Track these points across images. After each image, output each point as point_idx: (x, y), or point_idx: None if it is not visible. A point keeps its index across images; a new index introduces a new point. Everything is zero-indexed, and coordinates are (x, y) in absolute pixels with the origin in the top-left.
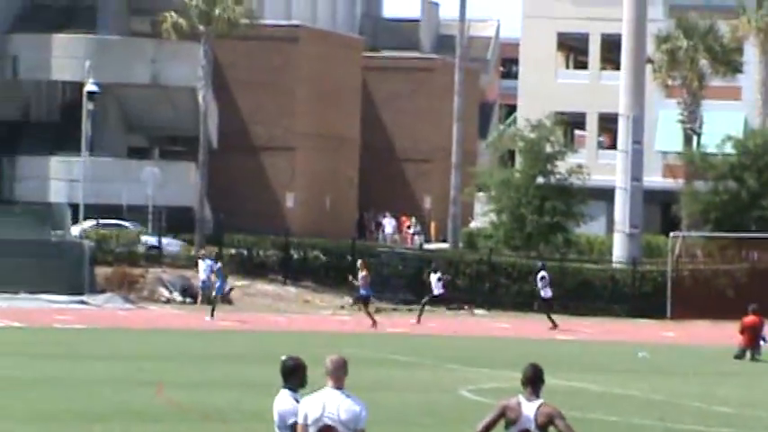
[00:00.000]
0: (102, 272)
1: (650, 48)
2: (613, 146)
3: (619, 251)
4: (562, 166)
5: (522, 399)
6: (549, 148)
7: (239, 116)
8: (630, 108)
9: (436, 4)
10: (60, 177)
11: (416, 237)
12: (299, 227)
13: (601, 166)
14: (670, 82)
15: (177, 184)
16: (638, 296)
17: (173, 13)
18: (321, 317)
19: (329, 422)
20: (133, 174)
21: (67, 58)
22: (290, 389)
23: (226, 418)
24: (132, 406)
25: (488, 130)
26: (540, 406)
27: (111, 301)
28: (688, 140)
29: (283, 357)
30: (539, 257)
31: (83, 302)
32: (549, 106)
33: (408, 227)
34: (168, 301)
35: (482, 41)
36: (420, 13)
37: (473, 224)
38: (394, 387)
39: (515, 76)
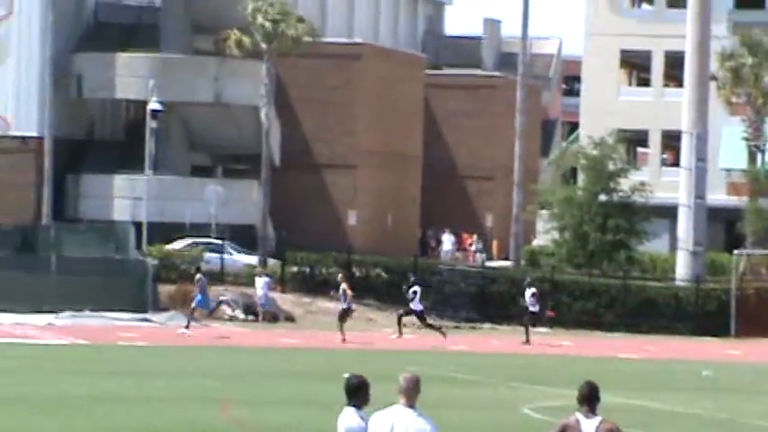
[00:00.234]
0: (165, 290)
1: (714, 65)
2: (676, 163)
3: (682, 269)
4: (625, 184)
5: (580, 416)
6: (611, 166)
7: (302, 134)
8: (694, 125)
9: (498, 22)
10: (124, 195)
11: (478, 254)
12: (361, 244)
13: (664, 184)
14: (734, 99)
15: (240, 202)
16: (701, 314)
17: (236, 31)
18: (383, 335)
19: None
20: (196, 192)
21: (131, 76)
22: (354, 406)
23: None
24: (196, 424)
25: (550, 148)
26: (600, 423)
27: (175, 319)
28: (752, 157)
29: (346, 375)
30: (602, 275)
31: (146, 320)
32: (612, 123)
33: (470, 244)
34: (231, 319)
35: (544, 59)
36: (482, 31)
37: (535, 242)
38: (456, 405)
39: (577, 94)
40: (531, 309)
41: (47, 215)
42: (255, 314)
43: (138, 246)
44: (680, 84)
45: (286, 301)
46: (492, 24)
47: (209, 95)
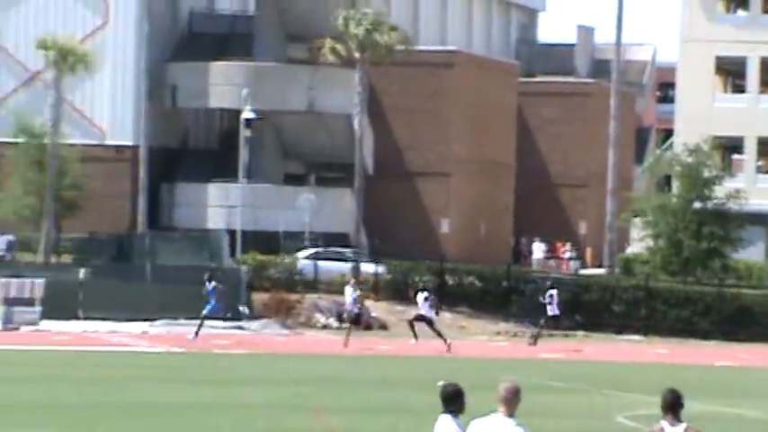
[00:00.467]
0: (259, 298)
1: None
2: None
3: None
4: (719, 191)
5: (665, 424)
6: (706, 173)
7: (394, 142)
8: None
9: (592, 29)
10: (218, 204)
11: (572, 262)
12: (454, 252)
13: (759, 191)
14: None
15: (333, 210)
16: None
17: (329, 40)
18: (477, 342)
19: None
20: (289, 200)
21: (225, 85)
22: (451, 413)
23: None
24: (288, 431)
25: (644, 155)
26: (685, 430)
27: (268, 327)
28: None
29: (441, 383)
30: (696, 283)
31: (240, 328)
32: (707, 130)
33: (564, 252)
34: (324, 327)
35: (638, 66)
36: (576, 38)
37: (629, 249)
38: (550, 413)
39: (672, 101)
40: (551, 312)
41: (142, 224)
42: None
43: (232, 254)
44: None
45: (379, 308)
46: (585, 31)
47: (302, 104)
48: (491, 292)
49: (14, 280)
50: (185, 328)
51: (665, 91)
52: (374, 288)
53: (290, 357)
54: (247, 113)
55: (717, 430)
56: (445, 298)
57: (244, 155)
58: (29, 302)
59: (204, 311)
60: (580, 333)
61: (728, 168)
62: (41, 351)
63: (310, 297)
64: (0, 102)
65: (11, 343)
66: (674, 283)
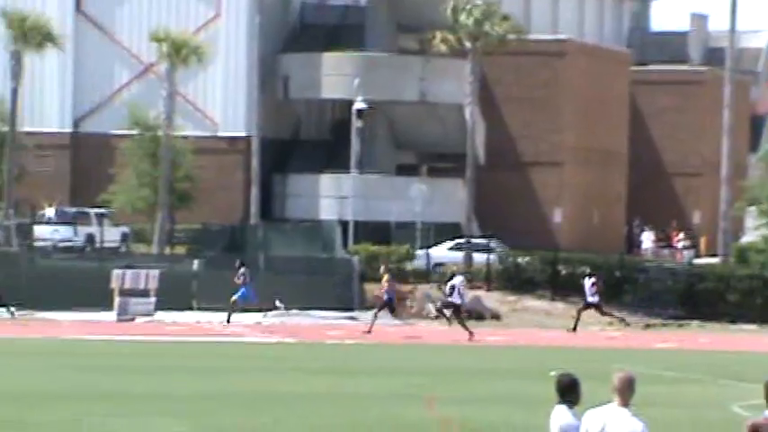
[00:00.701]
0: (371, 288)
1: None
2: None
3: None
4: None
5: None
6: None
7: (507, 132)
8: None
9: (705, 16)
10: (330, 195)
11: (686, 251)
12: (567, 242)
13: None
14: None
15: (445, 200)
16: None
17: (441, 30)
18: (589, 333)
19: None
20: (401, 191)
21: (337, 76)
22: (567, 404)
23: None
24: (402, 420)
25: (759, 144)
26: None
27: (381, 318)
28: None
29: (554, 373)
30: None
31: (353, 318)
32: None
33: (678, 241)
34: (436, 317)
35: (753, 53)
36: (689, 26)
37: (744, 238)
38: (663, 403)
39: None
40: (590, 299)
41: (254, 215)
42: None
43: (345, 245)
44: None
45: (491, 299)
46: (699, 19)
47: (414, 94)
48: (604, 282)
49: (129, 271)
50: (298, 318)
51: None
52: (486, 278)
53: (402, 348)
54: (359, 104)
55: None
56: (558, 288)
57: (355, 145)
58: (144, 293)
59: (234, 296)
60: (695, 323)
61: None
62: (156, 342)
63: (423, 288)
64: (114, 94)
65: (126, 334)
66: None
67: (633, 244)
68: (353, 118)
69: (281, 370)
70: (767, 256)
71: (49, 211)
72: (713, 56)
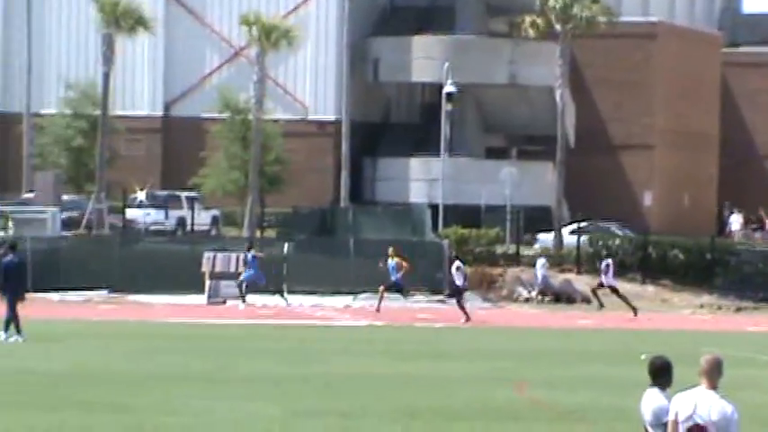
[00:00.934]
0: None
1: None
2: None
3: None
4: None
5: None
6: None
7: (597, 115)
8: None
9: None
10: (420, 178)
11: None
12: (657, 225)
13: None
14: None
15: (534, 183)
16: None
17: (530, 14)
18: (680, 316)
19: (700, 422)
20: (491, 174)
21: (427, 59)
22: (659, 386)
23: (586, 417)
24: (491, 403)
25: None
26: None
27: (471, 300)
28: None
29: (644, 356)
30: None
31: (442, 302)
32: None
33: None
34: (527, 300)
35: None
36: None
37: None
38: (754, 386)
39: None
40: (608, 281)
41: (344, 198)
42: (555, 295)
43: (434, 228)
44: None
45: (581, 282)
46: None
47: (503, 77)
48: (694, 265)
49: (220, 254)
50: (388, 301)
51: None
52: (577, 261)
53: (492, 331)
54: (449, 87)
55: None
56: (648, 271)
57: (445, 128)
58: (234, 276)
59: (241, 277)
60: None
61: None
62: (246, 325)
63: (513, 271)
64: (205, 78)
65: (217, 317)
66: None
67: (725, 227)
68: (443, 101)
69: (371, 353)
70: None
71: (141, 195)
72: None
